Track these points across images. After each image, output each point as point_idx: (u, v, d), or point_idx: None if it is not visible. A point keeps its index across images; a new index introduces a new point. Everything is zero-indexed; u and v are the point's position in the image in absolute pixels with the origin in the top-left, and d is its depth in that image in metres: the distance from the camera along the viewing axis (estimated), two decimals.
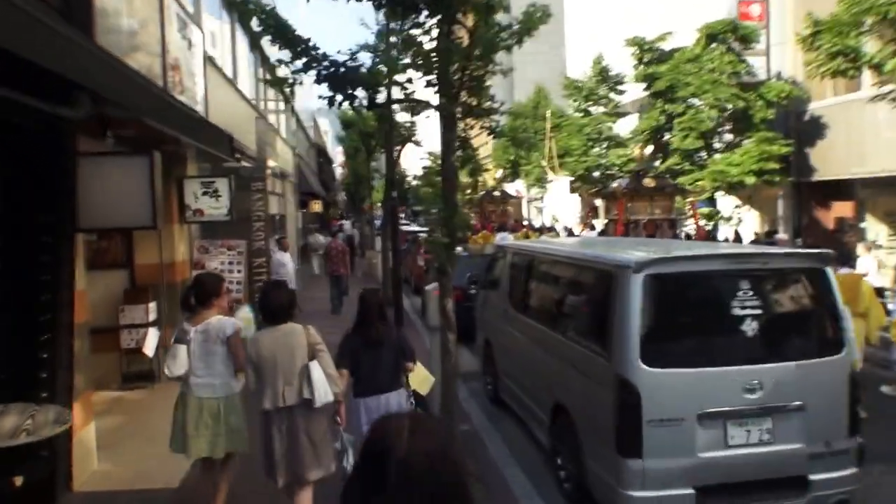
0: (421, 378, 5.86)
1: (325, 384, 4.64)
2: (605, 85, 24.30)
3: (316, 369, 4.63)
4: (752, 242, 15.45)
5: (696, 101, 17.62)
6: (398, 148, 16.04)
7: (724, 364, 4.90)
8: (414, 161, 73.91)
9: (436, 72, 5.78)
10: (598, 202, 23.86)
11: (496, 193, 33.95)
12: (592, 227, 22.17)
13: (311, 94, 39.46)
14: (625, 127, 24.73)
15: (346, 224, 36.17)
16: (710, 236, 16.82)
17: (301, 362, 4.65)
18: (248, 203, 12.08)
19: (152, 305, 9.02)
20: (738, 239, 15.85)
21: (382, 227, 19.22)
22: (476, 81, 5.91)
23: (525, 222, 31.08)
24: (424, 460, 1.48)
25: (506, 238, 21.07)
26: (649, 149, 22.66)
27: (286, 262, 13.20)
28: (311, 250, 26.16)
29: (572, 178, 26.21)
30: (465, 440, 7.13)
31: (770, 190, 17.39)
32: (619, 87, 24.24)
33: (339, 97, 5.90)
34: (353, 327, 5.40)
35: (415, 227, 29.84)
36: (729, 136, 17.82)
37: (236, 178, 12.25)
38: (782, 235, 14.13)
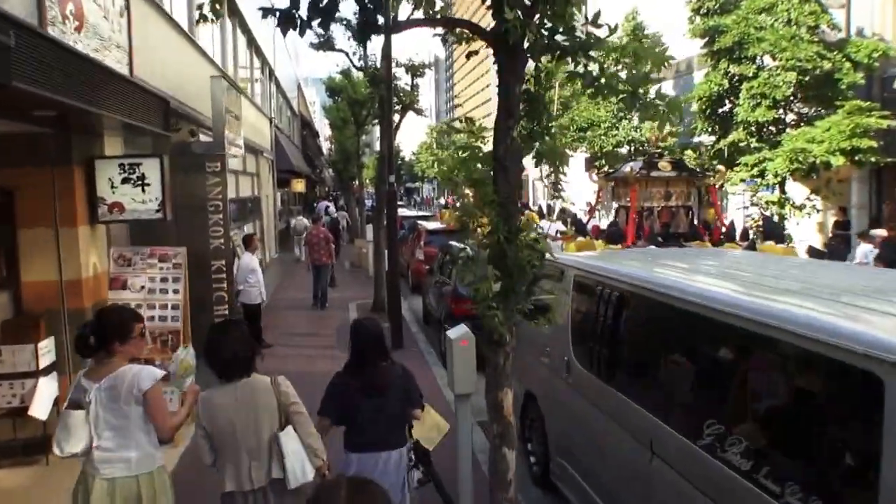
0: (429, 426, 4.54)
1: (302, 459, 3.65)
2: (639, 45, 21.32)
3: (290, 442, 3.64)
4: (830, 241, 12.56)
5: (768, 62, 14.62)
6: (396, 119, 13.15)
7: None
8: (412, 132, 71.04)
9: None
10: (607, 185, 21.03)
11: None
12: (591, 213, 19.57)
13: (296, 58, 36.33)
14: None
15: (329, 205, 33.28)
16: (772, 231, 14.10)
17: (269, 430, 3.65)
18: (201, 189, 9.27)
19: (46, 343, 6.19)
20: (775, 234, 13.01)
21: (373, 211, 16.38)
22: None
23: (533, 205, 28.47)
24: None
25: None
26: (667, 129, 19.93)
27: (256, 268, 10.40)
28: (295, 234, 23.88)
29: (590, 155, 23.38)
30: None
31: (843, 171, 14.52)
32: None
33: (308, 15, 3.05)
34: (345, 367, 4.34)
35: (411, 212, 26.94)
36: (801, 107, 14.92)
37: (189, 158, 9.45)
38: (880, 231, 11.21)
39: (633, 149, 20.89)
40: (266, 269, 19.65)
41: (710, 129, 16.11)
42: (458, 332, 5.26)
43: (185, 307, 6.78)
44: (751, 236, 14.70)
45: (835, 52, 13.80)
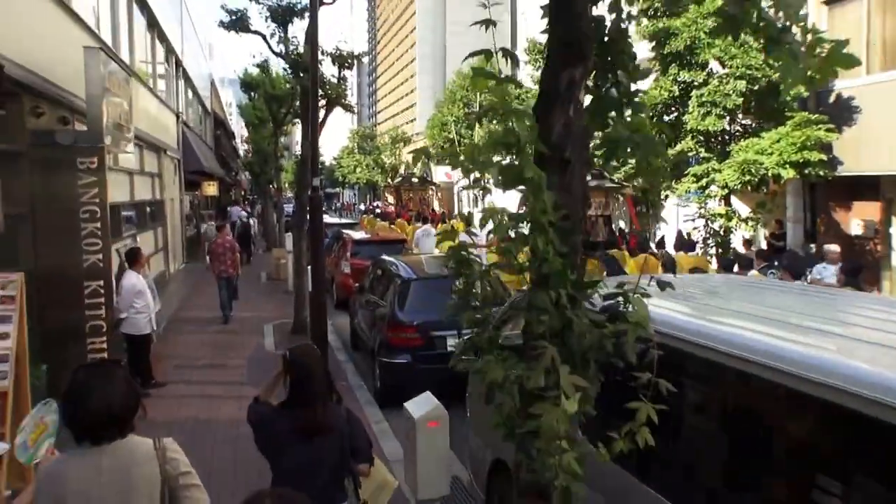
0: (376, 484, 3.61)
1: None
2: None
3: None
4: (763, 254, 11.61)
5: (717, 69, 13.90)
6: (321, 115, 11.32)
7: None
8: (332, 136, 69.29)
9: None
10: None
11: (415, 179, 30.90)
12: None
13: (209, 52, 33.91)
14: None
15: (238, 210, 31.10)
16: (721, 244, 13.29)
17: None
18: (72, 190, 7.27)
19: None
20: (685, 245, 12.42)
21: (294, 218, 14.42)
22: None
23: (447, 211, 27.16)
24: None
25: (428, 232, 17.90)
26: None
27: (144, 289, 8.37)
28: (206, 240, 21.55)
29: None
30: None
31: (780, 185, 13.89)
32: None
33: None
34: (282, 403, 3.38)
35: (335, 219, 24.95)
36: (742, 118, 14.26)
37: (56, 151, 7.42)
38: (832, 247, 10.26)
39: None
40: (169, 282, 17.42)
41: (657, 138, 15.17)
42: (424, 409, 3.58)
43: (18, 357, 4.77)
44: (665, 247, 14.23)
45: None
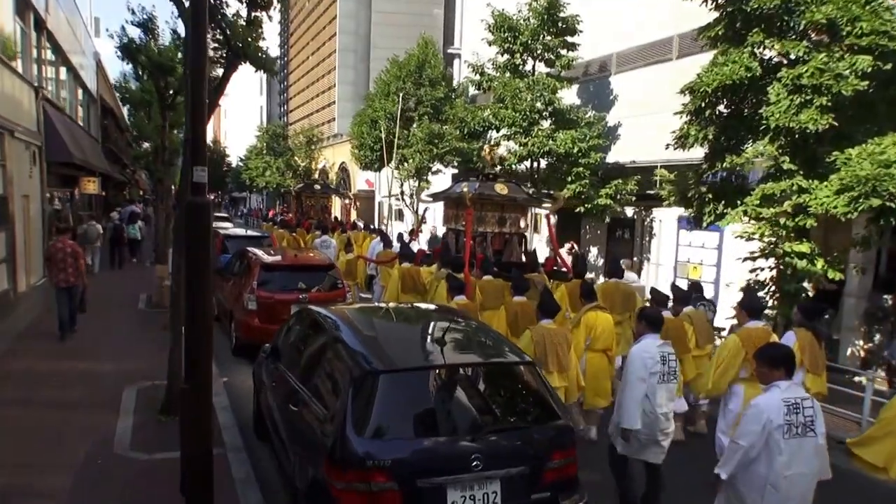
0: None
1: None
2: (551, 31, 16.60)
3: None
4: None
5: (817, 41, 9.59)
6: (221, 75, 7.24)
7: None
8: (238, 135, 64.09)
9: None
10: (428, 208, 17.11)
11: (317, 186, 27.97)
12: (415, 235, 17.43)
13: (93, 25, 28.91)
14: (567, 101, 17.49)
15: (129, 210, 26.87)
16: (794, 294, 9.58)
17: None
18: None
19: None
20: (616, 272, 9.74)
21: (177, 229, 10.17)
22: None
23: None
24: None
25: (327, 242, 16.87)
26: (503, 148, 16.24)
27: None
28: (88, 243, 19.48)
29: (468, 170, 18.80)
30: None
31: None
32: (570, 40, 16.78)
33: None
34: None
35: (239, 230, 20.46)
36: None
37: None
38: None
39: (549, 163, 16.37)
40: (16, 305, 12.88)
41: (705, 138, 10.75)
42: None
43: None
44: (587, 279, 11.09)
45: None
